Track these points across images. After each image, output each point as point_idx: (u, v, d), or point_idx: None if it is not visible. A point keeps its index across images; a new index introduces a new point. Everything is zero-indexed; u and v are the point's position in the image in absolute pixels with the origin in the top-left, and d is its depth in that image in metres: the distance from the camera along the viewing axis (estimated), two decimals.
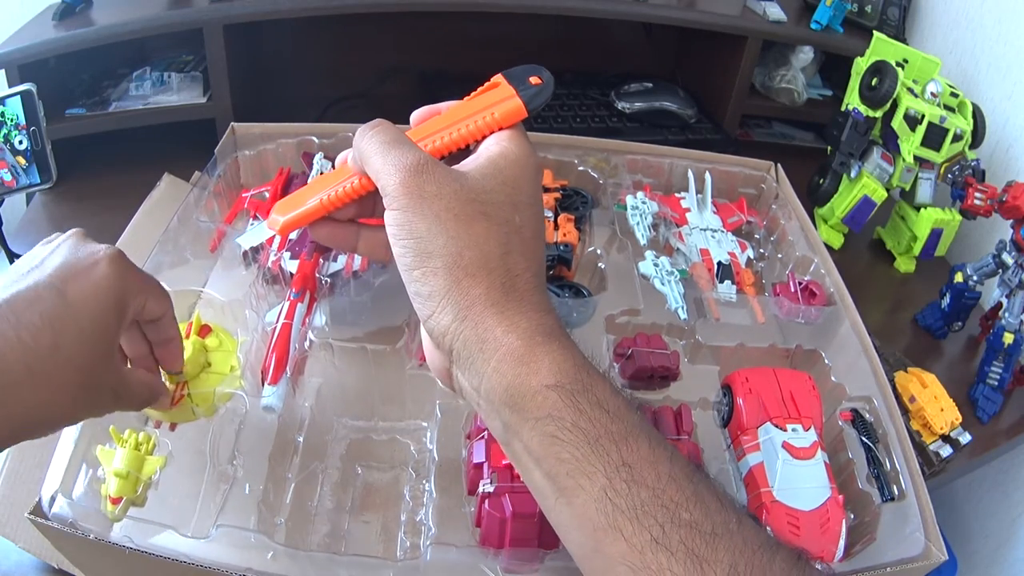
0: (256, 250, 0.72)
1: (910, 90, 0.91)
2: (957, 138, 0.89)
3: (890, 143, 0.94)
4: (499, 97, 0.43)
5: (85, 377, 0.41)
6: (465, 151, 0.43)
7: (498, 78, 0.45)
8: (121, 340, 0.46)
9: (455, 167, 0.40)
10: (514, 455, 0.38)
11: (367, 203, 0.44)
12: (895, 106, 0.91)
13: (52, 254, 0.43)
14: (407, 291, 0.39)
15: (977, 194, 0.89)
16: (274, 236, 0.74)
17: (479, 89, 0.45)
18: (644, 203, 0.82)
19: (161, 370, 0.52)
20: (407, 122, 0.95)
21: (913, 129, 0.90)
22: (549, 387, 0.36)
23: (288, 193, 0.81)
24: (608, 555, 0.34)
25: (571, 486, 0.35)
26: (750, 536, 0.35)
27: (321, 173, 0.52)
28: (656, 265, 0.75)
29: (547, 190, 0.82)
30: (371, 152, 0.40)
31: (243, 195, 0.81)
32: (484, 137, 0.43)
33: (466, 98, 0.45)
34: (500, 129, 0.43)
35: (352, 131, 0.92)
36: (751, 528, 0.35)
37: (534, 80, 0.44)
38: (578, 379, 0.36)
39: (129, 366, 0.49)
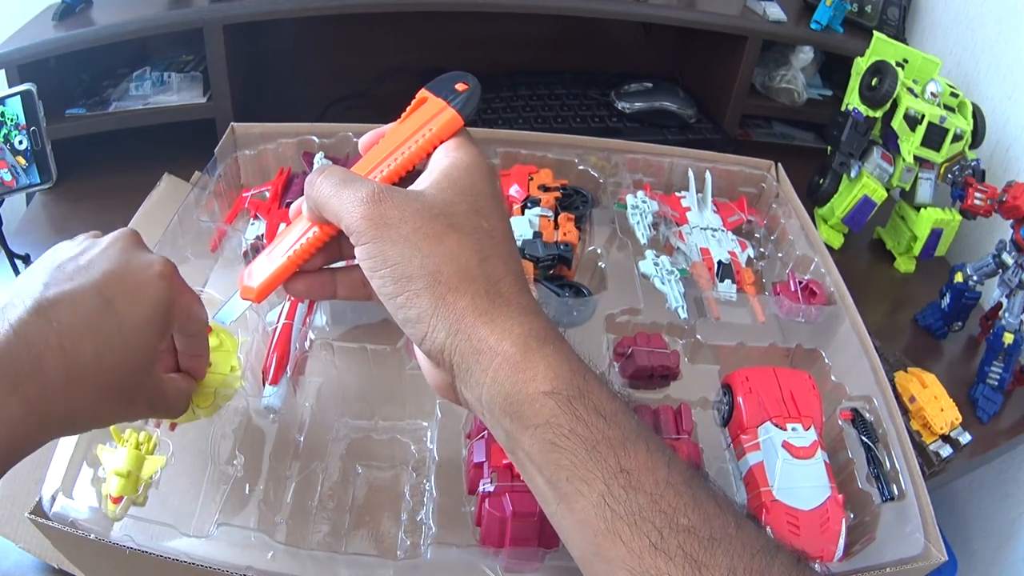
0: (256, 250, 0.72)
1: (910, 90, 0.91)
2: (957, 138, 0.89)
3: (890, 143, 0.94)
4: (431, 112, 0.44)
5: (122, 386, 0.40)
6: (415, 173, 0.43)
7: (423, 93, 0.45)
8: None
9: (411, 188, 0.40)
10: (518, 462, 0.38)
11: (333, 249, 0.44)
12: (895, 106, 0.91)
13: (101, 256, 0.41)
14: (395, 318, 0.39)
15: (977, 194, 0.89)
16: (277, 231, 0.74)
17: (408, 108, 0.45)
18: (644, 202, 0.82)
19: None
20: None
21: (913, 129, 0.90)
22: (546, 394, 0.36)
23: (288, 192, 0.81)
24: (608, 559, 0.34)
25: (570, 492, 0.35)
26: (749, 540, 0.35)
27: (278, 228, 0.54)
28: (656, 264, 0.75)
29: (547, 189, 0.82)
30: (325, 197, 0.40)
31: (243, 195, 0.81)
32: (428, 155, 0.43)
33: (399, 120, 0.45)
34: (441, 143, 0.43)
35: (352, 131, 0.93)
36: (750, 532, 0.35)
37: (460, 87, 0.44)
38: (574, 384, 0.36)
39: (167, 377, 0.47)
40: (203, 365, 0.51)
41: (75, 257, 0.41)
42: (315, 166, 0.80)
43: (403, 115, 0.45)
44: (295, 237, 0.44)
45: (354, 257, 0.40)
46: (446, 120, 0.43)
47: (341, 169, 0.41)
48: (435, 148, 0.43)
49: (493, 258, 0.39)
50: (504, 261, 0.39)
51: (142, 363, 0.41)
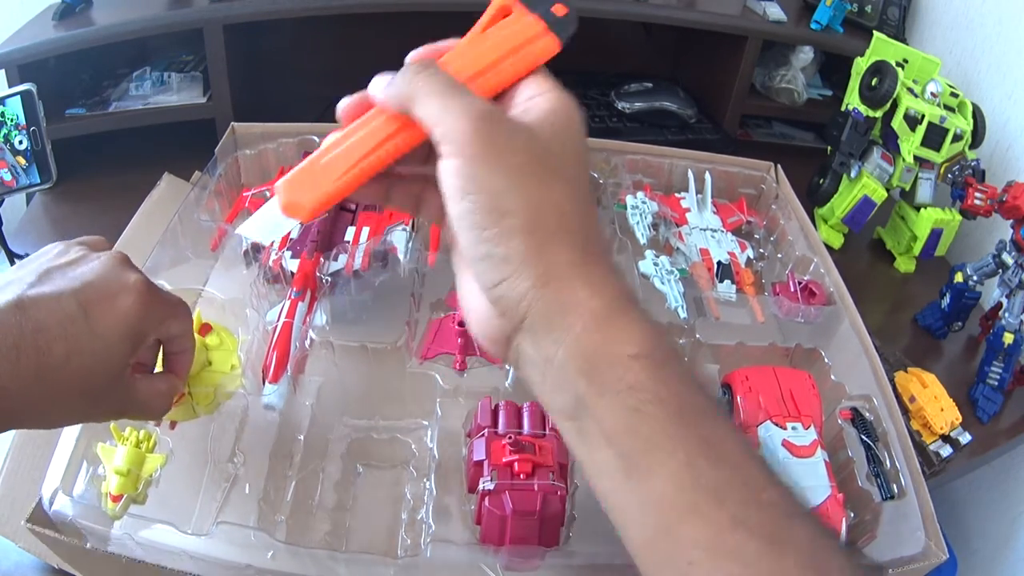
0: (257, 249, 0.72)
1: (910, 90, 0.91)
2: (957, 138, 0.89)
3: (890, 143, 0.94)
4: (525, 33, 0.38)
5: (88, 389, 0.41)
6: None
7: (513, 4, 0.39)
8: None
9: (516, 119, 0.37)
10: (579, 432, 0.34)
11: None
12: (895, 106, 0.92)
13: (86, 267, 0.43)
14: (468, 251, 0.35)
15: (977, 194, 0.89)
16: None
17: (486, 17, 0.39)
18: (644, 203, 0.82)
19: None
20: None
21: (913, 129, 0.90)
22: (633, 357, 0.33)
23: None
24: (678, 537, 0.32)
25: (647, 463, 0.33)
26: (815, 518, 0.33)
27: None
28: (656, 264, 0.75)
29: None
30: (428, 94, 0.36)
31: (244, 194, 0.81)
32: (514, 83, 0.38)
33: (473, 30, 0.39)
34: (531, 72, 0.38)
35: None
36: (816, 517, 0.34)
37: (558, 9, 0.38)
38: (661, 348, 0.34)
39: (141, 378, 0.47)
40: (186, 363, 0.51)
41: (63, 264, 0.43)
42: None
43: (480, 23, 0.39)
44: (371, 142, 0.38)
45: (419, 164, 0.37)
46: (543, 47, 0.37)
47: (446, 74, 0.37)
48: (523, 77, 0.38)
49: (587, 214, 0.36)
50: (593, 217, 0.37)
51: (110, 371, 0.42)
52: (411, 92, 0.36)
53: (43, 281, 0.41)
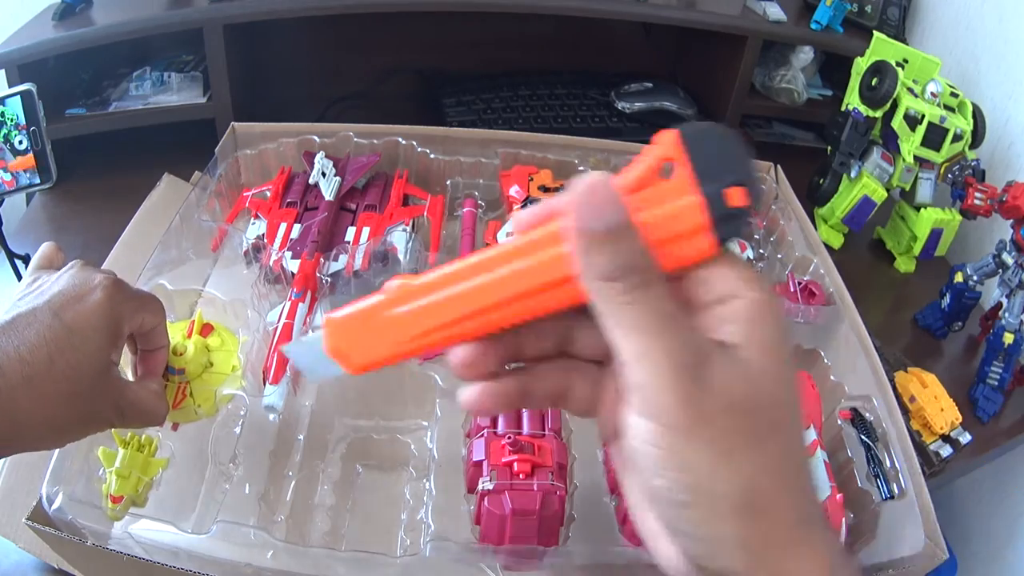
0: (257, 249, 0.72)
1: (910, 90, 0.91)
2: (957, 138, 0.89)
3: (890, 143, 0.94)
4: (680, 219, 0.27)
5: (79, 388, 0.43)
6: None
7: (673, 147, 0.27)
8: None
9: (726, 347, 0.28)
10: None
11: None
12: (895, 106, 0.91)
13: (53, 283, 0.45)
14: (664, 520, 0.29)
15: (977, 194, 0.89)
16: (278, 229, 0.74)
17: (644, 167, 0.27)
18: None
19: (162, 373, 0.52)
20: (406, 121, 0.95)
21: (913, 129, 0.90)
22: None
23: (289, 191, 0.81)
24: None
25: None
26: None
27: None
28: None
29: (547, 190, 0.82)
30: (632, 319, 0.27)
31: (244, 194, 0.81)
32: (678, 268, 0.28)
33: (624, 178, 0.28)
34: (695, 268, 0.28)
35: (352, 131, 0.92)
36: None
37: (735, 197, 0.26)
38: None
39: (132, 383, 0.49)
40: (160, 360, 0.52)
41: (32, 290, 0.45)
42: (315, 166, 0.80)
43: (636, 174, 0.27)
44: (498, 294, 0.28)
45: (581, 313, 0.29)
46: (696, 248, 0.27)
47: (664, 286, 0.27)
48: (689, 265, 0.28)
49: (805, 465, 0.30)
50: (807, 466, 0.30)
51: (93, 366, 0.43)
52: (612, 304, 0.27)
53: (15, 307, 0.44)
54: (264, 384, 0.59)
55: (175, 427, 0.56)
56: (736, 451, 0.27)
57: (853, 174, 0.96)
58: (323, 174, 0.79)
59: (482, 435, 0.56)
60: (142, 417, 0.48)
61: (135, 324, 0.47)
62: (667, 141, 0.27)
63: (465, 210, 0.83)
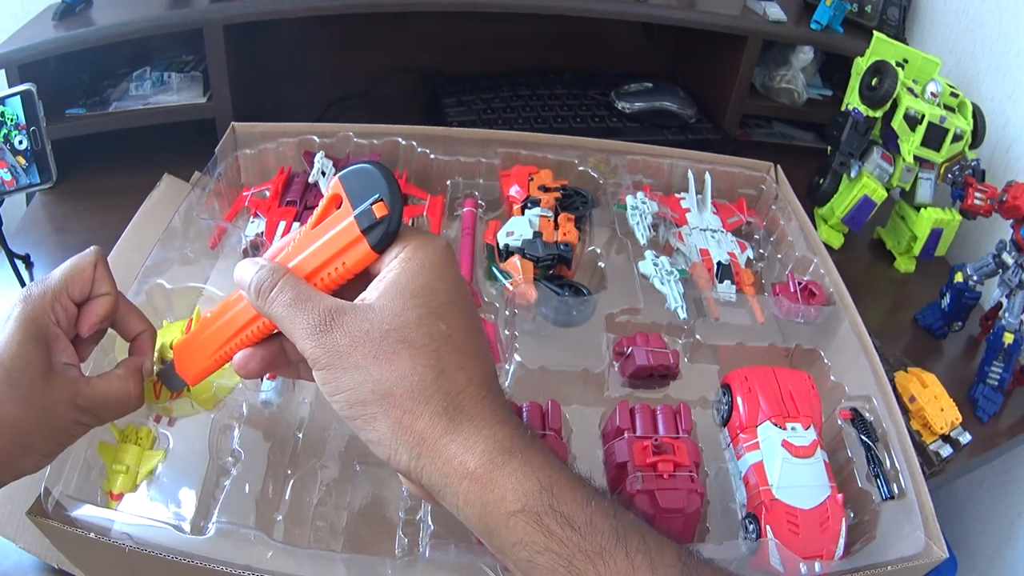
0: (256, 247, 0.72)
1: (910, 90, 0.91)
2: (957, 138, 0.89)
3: (890, 143, 0.94)
4: (346, 235, 0.39)
5: (30, 391, 0.43)
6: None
7: (337, 187, 0.40)
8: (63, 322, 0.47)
9: (361, 301, 0.39)
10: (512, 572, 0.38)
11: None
12: (895, 106, 0.91)
13: None
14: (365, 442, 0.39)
15: (977, 194, 0.89)
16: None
17: (323, 206, 0.41)
18: (644, 203, 0.82)
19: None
20: (406, 121, 0.95)
21: (913, 129, 0.90)
22: (514, 513, 0.36)
23: (289, 191, 0.81)
24: None
25: None
26: None
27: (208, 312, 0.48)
28: (656, 265, 0.75)
29: (547, 190, 0.82)
30: (279, 317, 0.40)
31: (244, 194, 0.81)
32: (365, 266, 0.40)
33: (312, 220, 0.41)
34: (356, 273, 0.40)
35: (352, 131, 0.92)
36: None
37: (378, 210, 0.38)
38: (542, 499, 0.36)
39: (93, 377, 0.48)
40: (109, 307, 0.49)
41: None
42: (315, 165, 0.80)
43: (318, 212, 0.41)
44: (234, 321, 0.43)
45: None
46: (360, 255, 0.39)
47: (293, 281, 0.40)
48: (354, 276, 0.40)
49: (451, 369, 0.38)
50: (465, 369, 0.38)
51: (34, 372, 0.44)
52: (268, 313, 0.40)
53: None
54: (262, 380, 0.59)
55: (172, 422, 0.56)
56: (371, 369, 0.37)
57: (853, 174, 0.96)
58: (323, 173, 0.80)
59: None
60: (110, 408, 0.47)
61: (57, 312, 0.46)
62: (334, 183, 0.40)
63: (465, 210, 0.83)
